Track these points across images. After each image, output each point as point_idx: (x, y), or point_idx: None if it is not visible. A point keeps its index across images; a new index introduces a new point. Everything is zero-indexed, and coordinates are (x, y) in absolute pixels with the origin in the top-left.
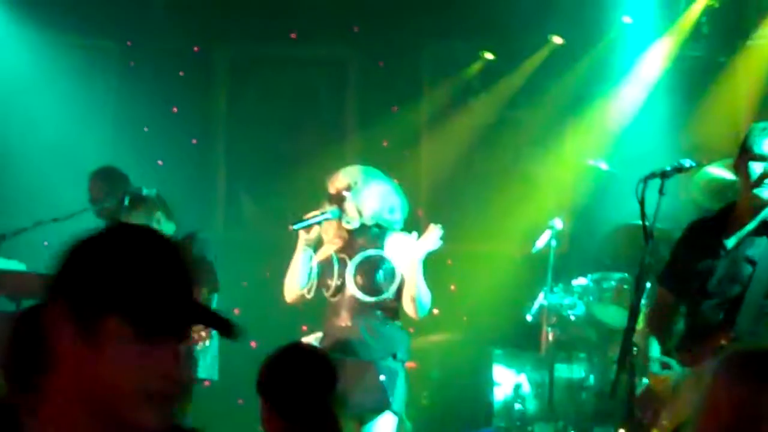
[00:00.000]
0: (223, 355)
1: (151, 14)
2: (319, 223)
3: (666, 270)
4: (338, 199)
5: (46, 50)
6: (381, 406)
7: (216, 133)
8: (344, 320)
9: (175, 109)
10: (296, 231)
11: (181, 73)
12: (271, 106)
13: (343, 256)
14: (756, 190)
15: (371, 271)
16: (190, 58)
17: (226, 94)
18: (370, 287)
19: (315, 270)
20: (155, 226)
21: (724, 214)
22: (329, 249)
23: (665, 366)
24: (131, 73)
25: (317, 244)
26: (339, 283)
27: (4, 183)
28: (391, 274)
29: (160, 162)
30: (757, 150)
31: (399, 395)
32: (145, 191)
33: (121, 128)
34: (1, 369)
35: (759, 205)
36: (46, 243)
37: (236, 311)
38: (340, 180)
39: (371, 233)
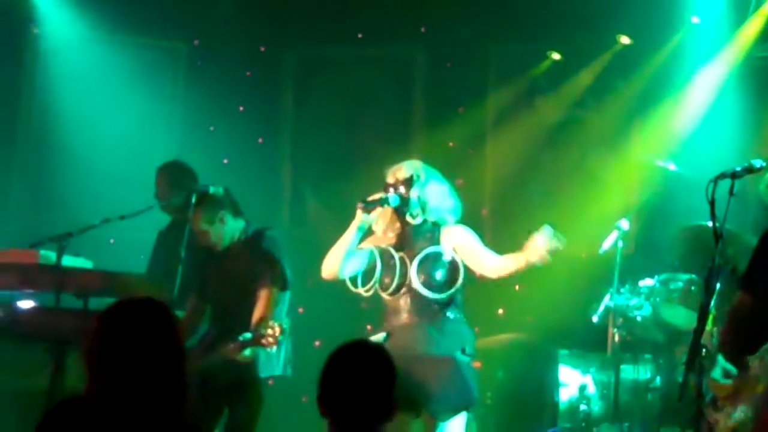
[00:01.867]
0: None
1: (218, 14)
2: (382, 204)
3: (747, 273)
4: (399, 187)
5: (115, 51)
6: (467, 401)
7: (282, 132)
8: (407, 318)
9: (241, 108)
10: (366, 209)
11: (248, 73)
12: (336, 106)
13: (402, 254)
14: None
15: (433, 269)
16: (256, 58)
17: (292, 93)
18: (435, 285)
19: (378, 268)
20: (219, 224)
21: None
22: (383, 243)
23: (727, 374)
24: (198, 73)
25: (366, 234)
26: (400, 282)
27: (74, 181)
28: (453, 270)
29: (226, 160)
30: None
31: (476, 388)
32: (212, 189)
33: (188, 127)
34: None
35: None
36: (112, 240)
37: (300, 310)
38: (402, 171)
39: (425, 229)
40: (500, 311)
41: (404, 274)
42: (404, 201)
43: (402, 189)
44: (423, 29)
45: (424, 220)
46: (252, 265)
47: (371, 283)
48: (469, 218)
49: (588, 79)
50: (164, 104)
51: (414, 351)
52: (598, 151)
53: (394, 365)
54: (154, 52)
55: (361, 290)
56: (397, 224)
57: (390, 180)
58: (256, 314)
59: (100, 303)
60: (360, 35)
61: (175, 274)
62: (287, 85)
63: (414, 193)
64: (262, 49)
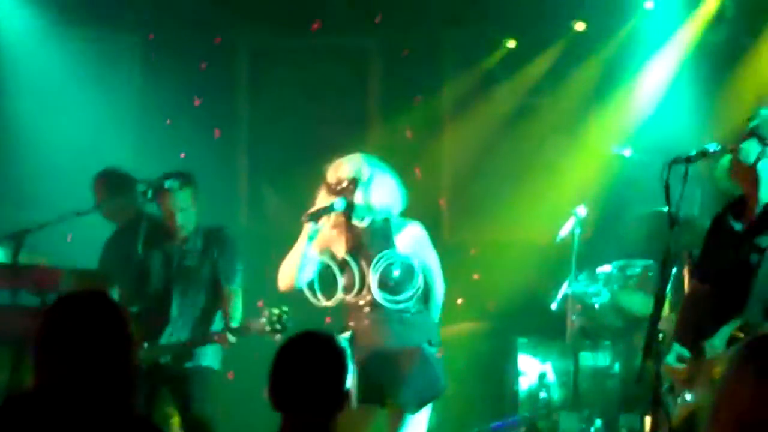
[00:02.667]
0: (245, 347)
1: (171, 5)
2: (328, 212)
3: (699, 260)
4: (343, 191)
5: (69, 44)
6: (435, 392)
7: (239, 125)
8: (370, 316)
9: (197, 102)
10: (312, 220)
11: (203, 65)
12: (293, 97)
13: (357, 258)
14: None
15: (390, 274)
16: (211, 49)
17: (247, 85)
18: (393, 290)
19: (338, 276)
20: (190, 210)
21: (741, 200)
22: (338, 247)
23: (681, 359)
24: (153, 65)
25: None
26: (360, 286)
27: (27, 177)
28: (410, 273)
29: (182, 155)
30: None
31: (443, 378)
32: (167, 184)
33: (144, 121)
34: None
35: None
36: (69, 237)
37: (260, 303)
38: (343, 170)
39: (376, 228)
40: (459, 300)
41: (363, 278)
42: (350, 205)
43: (345, 192)
44: (377, 19)
45: (373, 220)
46: (215, 261)
47: (334, 292)
48: (427, 208)
49: (543, 67)
50: (120, 98)
51: (379, 346)
52: (555, 138)
53: (345, 355)
54: (109, 45)
55: (322, 300)
56: (348, 226)
57: (331, 180)
58: (234, 313)
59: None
60: (315, 25)
61: (130, 271)
62: (242, 76)
63: (358, 196)
64: (217, 40)
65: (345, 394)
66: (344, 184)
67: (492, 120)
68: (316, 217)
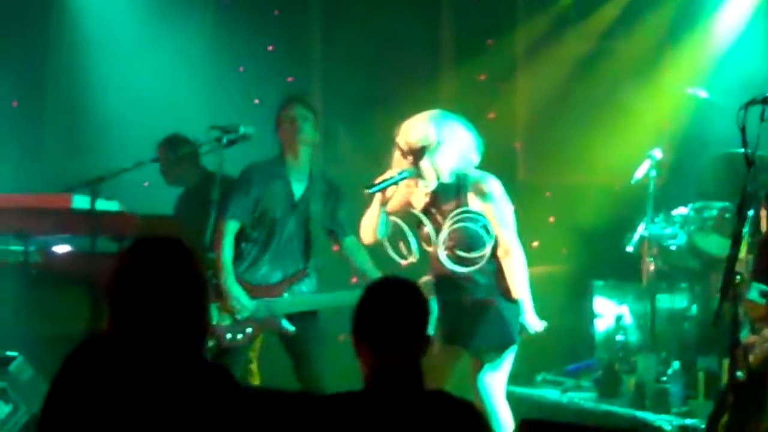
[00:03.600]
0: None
1: None
2: (394, 184)
3: None
4: (412, 156)
5: None
6: (507, 342)
7: (312, 71)
8: (447, 266)
9: (270, 48)
10: (378, 192)
11: (276, 12)
12: (365, 44)
13: (433, 215)
14: None
15: (463, 233)
16: None
17: (321, 32)
18: (466, 248)
19: (408, 231)
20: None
21: None
22: (414, 203)
23: (764, 294)
24: (226, 13)
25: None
26: (437, 241)
27: (106, 126)
28: (481, 231)
29: (257, 101)
30: None
31: (518, 329)
32: (242, 129)
33: (217, 68)
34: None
35: None
36: (146, 183)
37: (335, 248)
38: (411, 134)
39: (451, 185)
40: (534, 244)
41: (438, 234)
42: (417, 172)
43: (414, 157)
44: None
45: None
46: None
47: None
48: (502, 152)
49: (617, 9)
50: (193, 46)
51: (458, 293)
52: (629, 81)
53: (428, 300)
54: None
55: (405, 259)
56: (418, 188)
57: (403, 146)
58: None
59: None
60: None
61: (207, 220)
62: (315, 23)
63: (426, 163)
64: None
65: (428, 338)
66: (414, 150)
67: (566, 63)
68: (377, 189)
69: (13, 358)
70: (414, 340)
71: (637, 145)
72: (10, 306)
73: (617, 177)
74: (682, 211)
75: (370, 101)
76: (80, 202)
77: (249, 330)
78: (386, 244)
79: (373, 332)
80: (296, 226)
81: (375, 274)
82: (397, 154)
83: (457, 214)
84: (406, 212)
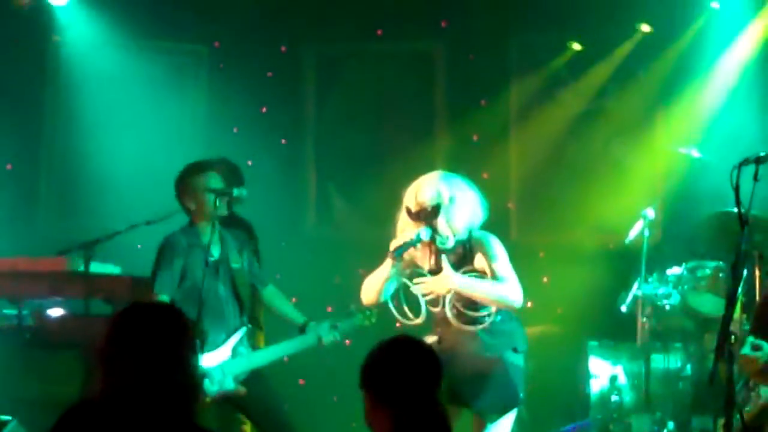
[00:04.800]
0: (317, 355)
1: (237, 16)
2: (414, 245)
3: None
4: (425, 217)
5: (137, 55)
6: (511, 404)
7: (305, 132)
8: (456, 326)
9: (264, 110)
10: (398, 257)
11: (269, 74)
12: (359, 103)
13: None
14: None
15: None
16: (277, 58)
17: (314, 92)
18: (472, 308)
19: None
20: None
21: None
22: (422, 264)
23: (756, 348)
24: (221, 75)
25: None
26: (443, 302)
27: (100, 187)
28: None
29: (249, 162)
30: None
31: (522, 390)
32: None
33: (211, 129)
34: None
35: None
36: (139, 246)
37: (329, 308)
38: (423, 195)
39: (459, 248)
40: (529, 304)
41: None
42: (433, 232)
43: (428, 219)
44: (443, 23)
45: (457, 240)
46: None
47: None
48: (495, 211)
49: (609, 69)
50: (187, 107)
51: (463, 352)
52: (622, 141)
53: (438, 359)
54: (176, 55)
55: (411, 321)
56: (431, 247)
57: (411, 205)
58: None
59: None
60: (379, 31)
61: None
62: (309, 84)
63: (441, 222)
64: (283, 49)
65: (441, 399)
66: (427, 211)
67: (558, 123)
68: (400, 252)
69: (7, 422)
70: (433, 387)
71: (630, 204)
72: (3, 369)
73: (611, 236)
74: (675, 270)
75: (363, 162)
76: (75, 264)
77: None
78: (390, 305)
79: (395, 386)
80: (223, 289)
81: (300, 318)
82: (403, 217)
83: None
84: (411, 274)
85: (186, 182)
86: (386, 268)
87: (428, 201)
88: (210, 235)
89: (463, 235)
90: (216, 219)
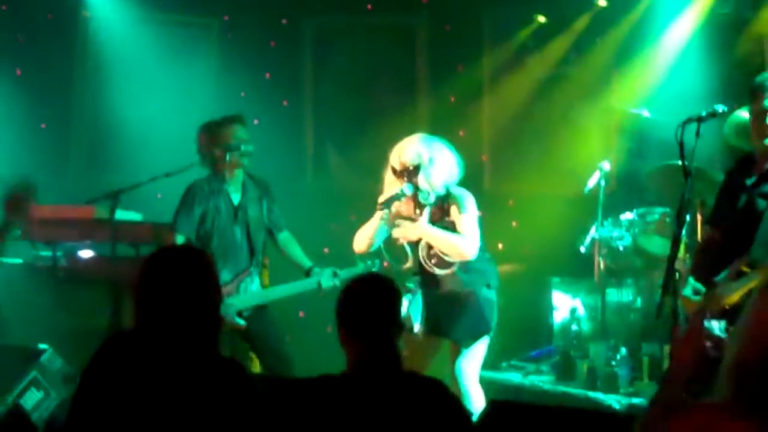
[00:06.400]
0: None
1: None
2: (398, 198)
3: (713, 210)
4: (408, 175)
5: (156, 28)
6: (482, 331)
7: (304, 95)
8: (429, 267)
9: (268, 75)
10: (386, 208)
11: (272, 44)
12: (352, 70)
13: None
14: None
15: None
16: (279, 29)
17: (312, 60)
18: (444, 260)
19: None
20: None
21: (750, 156)
22: (408, 215)
23: (696, 292)
24: (229, 45)
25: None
26: (427, 249)
27: (124, 144)
28: None
29: (256, 121)
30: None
31: (494, 320)
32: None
33: (222, 93)
34: None
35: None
36: (159, 195)
37: (326, 250)
38: (405, 155)
39: (438, 202)
40: (500, 246)
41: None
42: (415, 188)
43: (410, 176)
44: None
45: (436, 195)
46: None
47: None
48: (470, 164)
49: (570, 39)
50: (200, 73)
51: (443, 289)
52: (581, 102)
53: (399, 292)
54: (190, 28)
55: (403, 265)
56: (415, 202)
57: (395, 165)
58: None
59: (150, 251)
60: (369, 6)
61: None
62: (307, 52)
63: (422, 180)
64: (284, 21)
65: (402, 325)
66: (409, 169)
67: (526, 87)
68: (387, 205)
69: (43, 351)
70: (389, 326)
71: (588, 158)
72: (40, 304)
73: (571, 186)
74: (628, 216)
75: (356, 121)
76: (102, 212)
77: None
78: (383, 252)
79: (354, 322)
80: (239, 233)
81: (307, 263)
82: (389, 175)
83: (439, 227)
84: (398, 225)
85: (213, 132)
86: (376, 219)
87: (410, 161)
88: (231, 182)
89: (441, 191)
90: (239, 168)
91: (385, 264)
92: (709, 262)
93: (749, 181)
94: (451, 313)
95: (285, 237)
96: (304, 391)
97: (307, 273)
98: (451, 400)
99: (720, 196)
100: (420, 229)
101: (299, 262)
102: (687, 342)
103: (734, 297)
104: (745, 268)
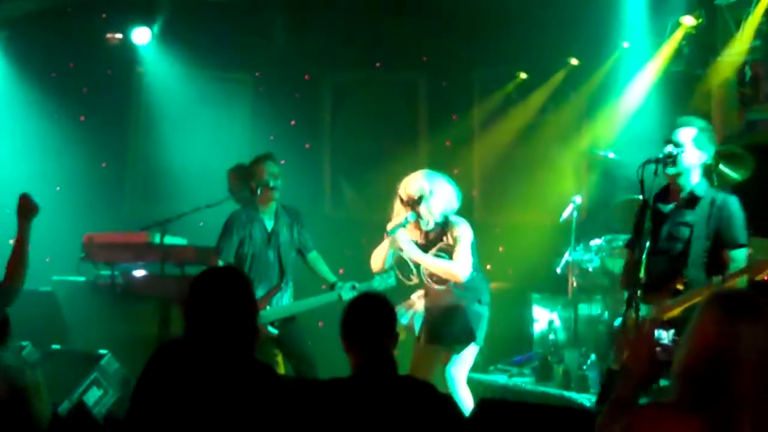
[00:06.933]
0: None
1: (273, 53)
2: (404, 225)
3: (632, 237)
4: (412, 205)
5: (199, 81)
6: (470, 338)
7: (323, 139)
8: (428, 283)
9: (293, 122)
10: (392, 234)
11: (297, 96)
12: (363, 118)
13: (426, 249)
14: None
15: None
16: (302, 84)
17: (330, 110)
18: (440, 279)
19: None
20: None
21: (666, 188)
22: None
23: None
24: (260, 97)
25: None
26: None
27: (172, 179)
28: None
29: (283, 161)
30: (671, 137)
31: (482, 331)
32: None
33: (254, 137)
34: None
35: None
36: (201, 223)
37: (341, 271)
38: (410, 188)
39: (437, 228)
40: (488, 266)
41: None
42: (418, 216)
43: (414, 205)
44: (425, 58)
45: (435, 222)
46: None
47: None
48: (463, 198)
49: (547, 92)
50: (236, 120)
51: (440, 303)
52: (557, 145)
53: (393, 309)
54: (227, 82)
55: (410, 281)
56: (418, 227)
57: (404, 196)
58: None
59: (194, 270)
60: (378, 64)
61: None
62: (326, 103)
63: (423, 209)
64: (307, 77)
65: (397, 336)
66: (413, 199)
67: (510, 132)
68: (394, 231)
69: (103, 355)
70: (383, 337)
71: (563, 193)
72: (100, 316)
73: (549, 217)
74: (596, 242)
75: (367, 161)
76: (153, 237)
77: None
78: (397, 270)
79: (352, 334)
80: (272, 255)
81: (332, 278)
82: (398, 204)
83: (437, 250)
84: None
85: (249, 169)
86: (386, 244)
87: (414, 193)
88: (266, 211)
89: (439, 219)
90: (272, 200)
91: (401, 277)
92: (628, 280)
93: (667, 209)
94: (443, 323)
95: (313, 257)
96: (317, 391)
97: (332, 287)
98: (442, 400)
99: (635, 225)
100: (417, 259)
101: (325, 277)
102: (639, 349)
103: (674, 311)
104: (680, 286)
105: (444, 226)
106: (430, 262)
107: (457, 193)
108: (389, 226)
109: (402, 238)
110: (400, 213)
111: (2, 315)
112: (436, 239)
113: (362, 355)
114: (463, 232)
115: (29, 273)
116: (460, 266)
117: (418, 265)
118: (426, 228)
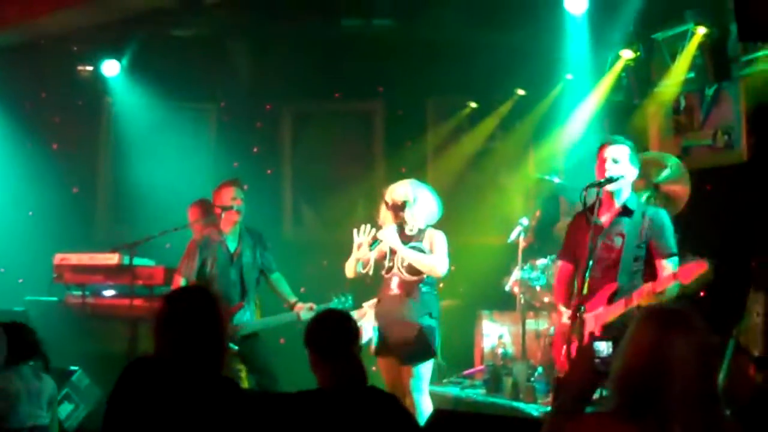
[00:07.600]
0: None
1: (236, 83)
2: (379, 243)
3: (563, 248)
4: (396, 210)
5: (165, 111)
6: (428, 355)
7: (283, 165)
8: (393, 290)
9: (255, 150)
10: (371, 249)
11: (258, 125)
12: (322, 145)
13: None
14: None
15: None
16: (264, 113)
17: (290, 137)
18: (413, 270)
19: (373, 256)
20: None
21: (599, 201)
22: (385, 244)
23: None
24: (224, 125)
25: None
26: (391, 265)
27: (138, 205)
28: None
29: (246, 186)
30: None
31: (438, 344)
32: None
33: (218, 164)
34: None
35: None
36: (168, 245)
37: (302, 289)
38: (395, 194)
39: (420, 233)
40: (441, 285)
41: (393, 260)
42: (401, 222)
43: (398, 210)
44: (380, 89)
45: (419, 229)
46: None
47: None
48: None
49: (496, 120)
50: (201, 148)
51: (396, 315)
52: (505, 170)
53: (355, 325)
54: (193, 112)
55: (364, 271)
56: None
57: (388, 200)
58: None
59: (161, 291)
60: (336, 95)
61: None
62: (287, 131)
63: (408, 214)
64: (268, 107)
65: (359, 346)
66: (397, 205)
67: (461, 158)
68: (374, 246)
69: (74, 371)
70: (349, 345)
71: (511, 215)
72: (71, 334)
73: (498, 237)
74: (542, 261)
75: (325, 186)
76: (123, 259)
77: None
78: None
79: (324, 347)
80: (234, 275)
81: (292, 298)
82: (383, 208)
83: (415, 247)
84: (380, 257)
85: (214, 194)
86: (354, 255)
87: (399, 198)
88: (230, 233)
89: (423, 226)
90: (236, 223)
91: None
92: (568, 290)
93: (600, 222)
94: (402, 340)
95: (276, 277)
96: (285, 404)
97: (292, 307)
98: (402, 411)
99: (572, 235)
100: (401, 251)
101: (286, 297)
102: (579, 360)
103: (608, 318)
104: (613, 293)
105: (424, 233)
106: (412, 255)
107: (438, 204)
108: (371, 240)
109: (389, 233)
110: (385, 218)
111: (33, 335)
112: (416, 241)
113: (334, 365)
114: (441, 239)
115: (3, 293)
116: (438, 260)
117: (392, 255)
118: (409, 233)
